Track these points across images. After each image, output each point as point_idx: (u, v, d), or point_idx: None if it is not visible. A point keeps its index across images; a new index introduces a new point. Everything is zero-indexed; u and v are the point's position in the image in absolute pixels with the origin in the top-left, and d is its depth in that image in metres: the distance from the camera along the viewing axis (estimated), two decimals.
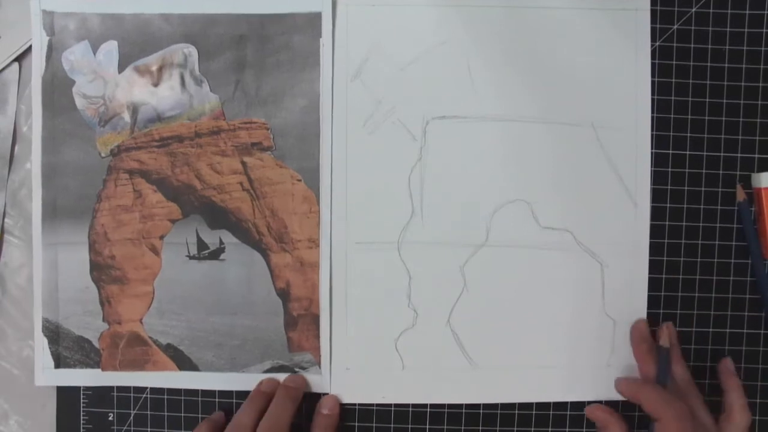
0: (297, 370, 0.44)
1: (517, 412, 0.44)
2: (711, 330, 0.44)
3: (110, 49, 0.43)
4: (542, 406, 0.44)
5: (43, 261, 0.44)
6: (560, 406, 0.44)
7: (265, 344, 0.44)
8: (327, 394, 0.44)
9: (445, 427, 0.44)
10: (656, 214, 0.44)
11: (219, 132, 0.44)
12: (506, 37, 0.44)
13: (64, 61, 0.43)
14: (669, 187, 0.44)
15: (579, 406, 0.44)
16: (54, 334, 0.44)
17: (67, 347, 0.44)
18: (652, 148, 0.44)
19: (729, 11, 0.44)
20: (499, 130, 0.44)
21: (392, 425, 0.44)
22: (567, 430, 0.44)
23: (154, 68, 0.43)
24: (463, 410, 0.44)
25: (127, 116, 0.44)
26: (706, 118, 0.44)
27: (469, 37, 0.44)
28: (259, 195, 0.44)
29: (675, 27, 0.44)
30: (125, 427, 0.44)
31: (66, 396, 0.45)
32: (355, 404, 0.44)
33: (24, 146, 0.45)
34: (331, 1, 0.43)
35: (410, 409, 0.44)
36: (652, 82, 0.44)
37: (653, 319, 0.44)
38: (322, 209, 0.44)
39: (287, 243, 0.44)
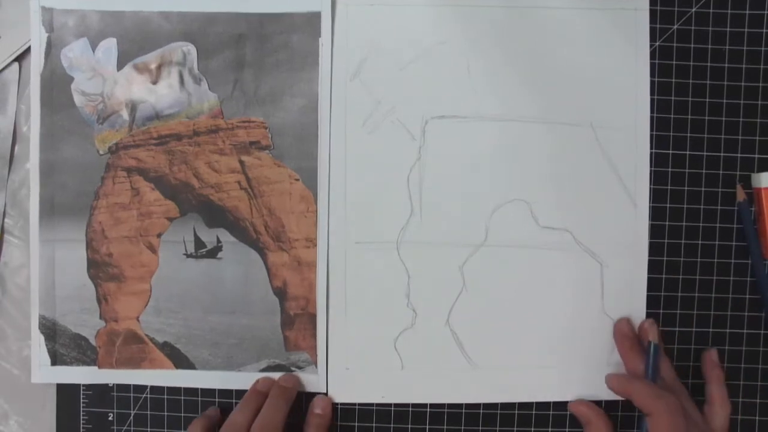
0: (293, 369, 0.44)
1: (516, 412, 0.44)
2: (711, 330, 0.44)
3: (109, 46, 0.44)
4: (542, 405, 0.44)
5: (41, 258, 0.44)
6: (560, 405, 0.44)
7: (262, 343, 0.44)
8: (325, 394, 0.44)
9: (445, 427, 0.44)
10: (656, 214, 0.44)
11: (217, 131, 0.44)
12: (505, 36, 0.44)
13: (63, 58, 0.44)
14: (669, 187, 0.44)
15: None
16: (51, 331, 0.44)
17: (63, 344, 0.44)
18: (651, 148, 0.44)
19: (729, 11, 0.44)
20: (498, 130, 0.44)
21: (392, 425, 0.44)
22: (567, 429, 0.44)
23: (152, 66, 0.44)
24: (463, 410, 0.44)
25: (125, 114, 0.44)
26: (706, 118, 0.44)
27: (469, 36, 0.44)
28: (256, 194, 0.44)
29: (675, 27, 0.44)
30: (125, 427, 0.45)
31: (66, 396, 0.45)
32: (354, 404, 0.44)
33: (24, 146, 0.45)
34: (331, 1, 0.44)
35: (410, 409, 0.44)
36: (652, 82, 0.44)
37: (653, 319, 0.44)
38: (320, 209, 0.44)
39: (284, 242, 0.44)
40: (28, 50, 0.45)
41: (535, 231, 0.44)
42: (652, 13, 0.44)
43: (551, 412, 0.44)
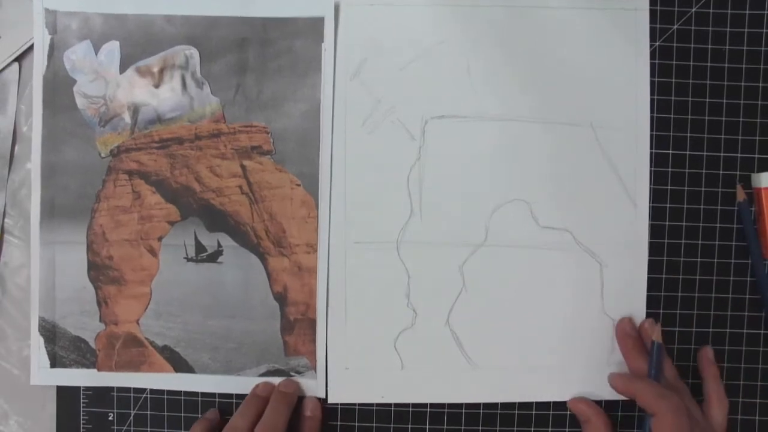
0: (293, 374, 0.46)
1: (517, 412, 0.47)
2: (711, 330, 0.47)
3: (112, 49, 0.46)
4: (542, 405, 0.47)
5: (41, 260, 0.46)
6: (560, 405, 0.46)
7: (262, 348, 0.46)
8: (323, 397, 0.47)
9: (445, 427, 0.47)
10: (656, 214, 0.47)
11: (219, 135, 0.46)
12: (505, 36, 0.46)
13: (66, 61, 0.46)
14: (669, 187, 0.47)
15: None
16: (50, 333, 0.46)
17: (63, 347, 0.47)
18: (651, 148, 0.47)
19: (729, 11, 0.47)
20: (498, 130, 0.46)
21: (392, 425, 0.47)
22: (567, 429, 0.47)
23: (155, 69, 0.46)
24: (463, 410, 0.47)
25: (127, 117, 0.47)
26: (706, 118, 0.47)
27: (468, 36, 0.46)
28: (257, 199, 0.46)
29: (675, 27, 0.47)
30: (125, 427, 0.47)
31: (66, 396, 0.47)
32: (354, 404, 0.47)
33: (24, 146, 0.48)
34: (334, 7, 0.46)
35: (410, 409, 0.47)
36: (652, 82, 0.47)
37: (653, 319, 0.46)
38: (320, 208, 0.46)
39: (285, 247, 0.47)
40: (28, 50, 0.47)
41: (535, 231, 0.46)
42: (652, 13, 0.47)
43: (551, 412, 0.47)
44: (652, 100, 0.47)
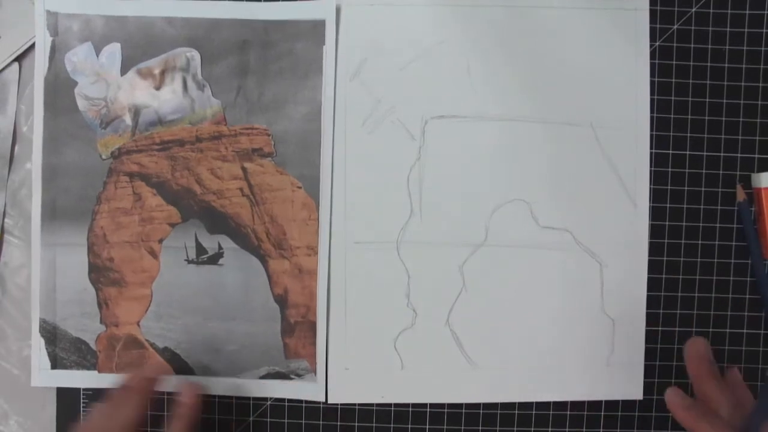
0: (293, 376, 0.48)
1: (516, 412, 0.49)
2: (711, 330, 0.49)
3: (113, 51, 0.48)
4: (542, 405, 0.49)
5: (42, 262, 0.48)
6: (560, 405, 0.49)
7: (262, 350, 0.48)
8: (325, 402, 0.48)
9: (445, 427, 0.49)
10: (656, 214, 0.49)
11: (220, 137, 0.48)
12: (505, 36, 0.49)
13: (67, 62, 0.48)
14: (669, 187, 0.49)
15: (578, 405, 0.49)
16: (51, 335, 0.48)
17: (63, 348, 0.49)
18: (651, 148, 0.49)
19: (729, 11, 0.49)
20: (498, 130, 0.49)
21: (392, 425, 0.49)
22: (566, 429, 0.49)
23: (156, 71, 0.48)
24: (463, 410, 0.49)
25: (128, 119, 0.49)
26: (706, 118, 0.49)
27: (468, 36, 0.48)
28: (258, 201, 0.48)
29: (675, 27, 0.49)
30: None
31: (66, 396, 0.49)
32: (354, 404, 0.49)
33: (24, 146, 0.50)
34: (335, 9, 0.48)
35: (410, 409, 0.49)
36: (652, 82, 0.49)
37: (653, 319, 0.49)
38: (321, 209, 0.48)
39: (286, 250, 0.49)
40: (28, 50, 0.49)
41: (535, 231, 0.49)
42: (652, 13, 0.49)
43: (551, 412, 0.49)
44: (652, 100, 0.49)
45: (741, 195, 0.49)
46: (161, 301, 0.49)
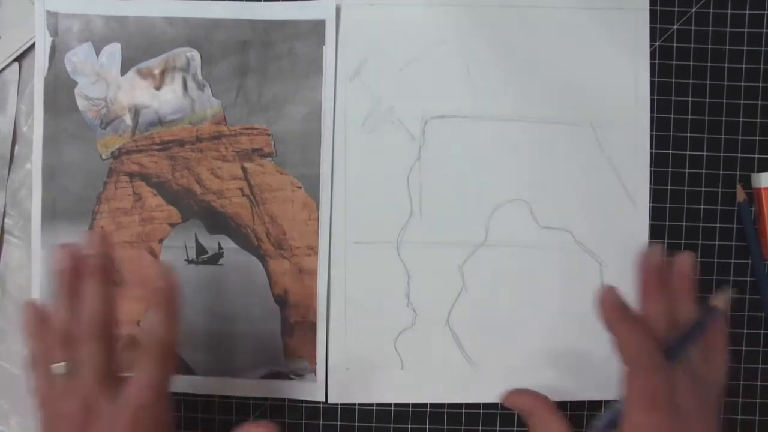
0: (293, 377, 0.48)
1: (517, 412, 0.50)
2: None
3: (113, 51, 0.48)
4: None
5: (42, 262, 0.49)
6: (559, 405, 0.47)
7: (262, 350, 0.49)
8: (325, 402, 0.49)
9: (445, 427, 0.49)
10: (656, 214, 0.49)
11: (220, 137, 0.49)
12: (505, 36, 0.49)
13: (67, 63, 0.49)
14: (669, 187, 0.49)
15: (579, 405, 0.49)
16: None
17: None
18: (651, 148, 0.49)
19: (729, 11, 0.49)
20: (497, 130, 0.49)
21: (392, 425, 0.49)
22: None
23: (156, 71, 0.49)
24: (463, 410, 0.49)
25: (128, 119, 0.49)
26: (706, 118, 0.49)
27: (469, 36, 0.49)
28: (258, 201, 0.49)
29: (675, 27, 0.49)
30: None
31: None
32: (354, 404, 0.49)
33: (24, 146, 0.50)
34: (335, 9, 0.48)
35: (410, 409, 0.49)
36: (652, 82, 0.49)
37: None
38: (321, 209, 0.48)
39: (286, 250, 0.49)
40: (28, 50, 0.49)
41: (534, 231, 0.49)
42: (652, 13, 0.49)
43: None
44: (652, 100, 0.49)
45: (741, 195, 0.49)
46: None
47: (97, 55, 0.49)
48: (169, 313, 0.39)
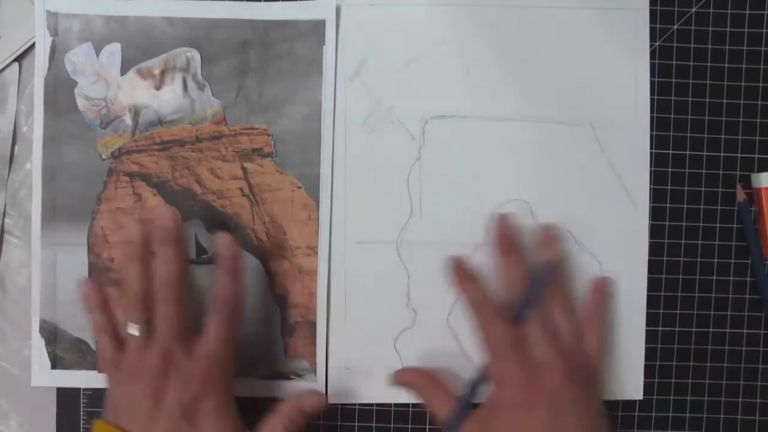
0: (293, 377, 0.48)
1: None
2: (711, 330, 0.49)
3: (113, 51, 0.48)
4: None
5: (42, 262, 0.49)
6: None
7: (262, 350, 0.49)
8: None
9: None
10: (656, 214, 0.49)
11: (220, 137, 0.49)
12: (505, 36, 0.49)
13: (67, 63, 0.49)
14: (669, 187, 0.49)
15: None
16: (51, 335, 0.49)
17: (64, 348, 0.49)
18: (652, 148, 0.49)
19: (729, 11, 0.49)
20: (498, 130, 0.49)
21: (392, 425, 0.49)
22: None
23: (156, 71, 0.49)
24: None
25: (128, 119, 0.49)
26: (706, 118, 0.49)
27: (469, 36, 0.49)
28: (258, 201, 0.49)
29: (675, 27, 0.49)
30: None
31: (66, 396, 0.50)
32: (354, 404, 0.49)
33: (24, 146, 0.50)
34: (336, 9, 0.48)
35: (410, 409, 0.49)
36: (652, 82, 0.49)
37: (653, 319, 0.49)
38: (321, 209, 0.49)
39: (286, 250, 0.49)
40: (28, 50, 0.49)
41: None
42: (652, 13, 0.49)
43: None
44: (652, 100, 0.49)
45: (741, 195, 0.49)
46: None
47: (97, 55, 0.49)
48: (234, 275, 0.44)
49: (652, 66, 0.49)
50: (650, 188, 0.49)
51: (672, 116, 0.50)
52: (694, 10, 0.50)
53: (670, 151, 0.50)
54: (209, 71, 0.49)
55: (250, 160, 0.49)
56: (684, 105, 0.50)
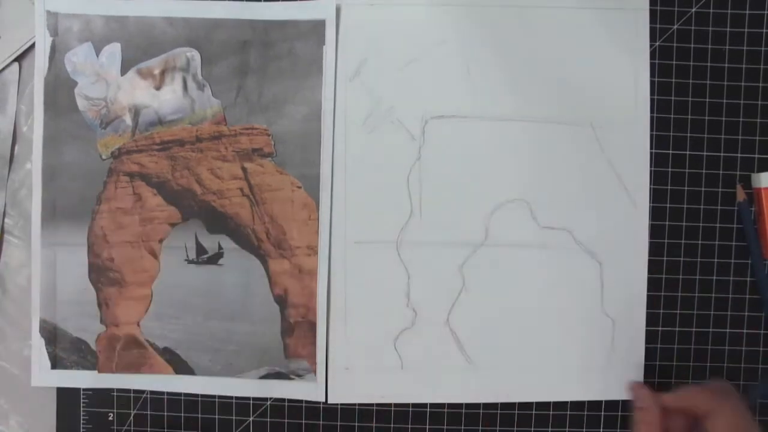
0: (293, 377, 0.48)
1: (516, 412, 0.49)
2: (711, 330, 0.49)
3: (113, 51, 0.49)
4: (542, 405, 0.49)
5: (42, 262, 0.49)
6: (560, 405, 0.49)
7: (262, 350, 0.49)
8: (325, 402, 0.49)
9: (445, 427, 0.49)
10: (656, 214, 0.49)
11: (220, 137, 0.49)
12: (505, 36, 0.49)
13: (67, 63, 0.49)
14: (669, 187, 0.49)
15: (579, 405, 0.49)
16: (51, 335, 0.49)
17: (64, 348, 0.49)
18: (651, 148, 0.49)
19: (729, 11, 0.49)
20: (497, 130, 0.49)
21: (392, 425, 0.49)
22: (567, 429, 0.49)
23: (156, 71, 0.49)
24: (463, 410, 0.49)
25: (128, 119, 0.49)
26: (706, 118, 0.49)
27: (468, 36, 0.49)
28: (258, 201, 0.49)
29: (675, 27, 0.49)
30: (125, 427, 0.50)
31: (66, 396, 0.50)
32: (354, 404, 0.49)
33: (24, 146, 0.50)
34: (336, 9, 0.48)
35: (410, 409, 0.49)
36: (652, 82, 0.49)
37: (653, 319, 0.49)
38: (321, 209, 0.49)
39: (286, 249, 0.49)
40: (28, 50, 0.50)
41: (534, 231, 0.49)
42: (652, 13, 0.49)
43: (551, 412, 0.49)
44: (652, 100, 0.49)
45: (741, 195, 0.49)
46: (161, 302, 0.49)
47: (97, 55, 0.49)
48: None
49: (652, 66, 0.49)
50: (650, 188, 0.49)
51: (672, 116, 0.50)
52: (694, 10, 0.50)
53: (670, 151, 0.50)
54: (209, 71, 0.49)
55: (250, 160, 0.49)
56: (684, 105, 0.50)
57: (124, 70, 0.49)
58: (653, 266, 0.49)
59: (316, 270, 0.49)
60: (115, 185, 0.49)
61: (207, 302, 0.49)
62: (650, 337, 0.49)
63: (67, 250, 0.49)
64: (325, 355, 0.49)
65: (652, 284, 0.49)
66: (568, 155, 0.49)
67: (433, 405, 0.50)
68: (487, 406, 0.50)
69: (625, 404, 0.49)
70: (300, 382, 0.49)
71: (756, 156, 0.50)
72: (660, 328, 0.49)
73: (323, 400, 0.49)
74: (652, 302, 0.49)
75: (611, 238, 0.49)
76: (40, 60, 0.49)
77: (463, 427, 0.50)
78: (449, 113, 0.49)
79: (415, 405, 0.50)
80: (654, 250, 0.50)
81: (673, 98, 0.50)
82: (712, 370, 0.50)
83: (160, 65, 0.49)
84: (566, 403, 0.49)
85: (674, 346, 0.50)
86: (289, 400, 0.50)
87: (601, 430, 0.50)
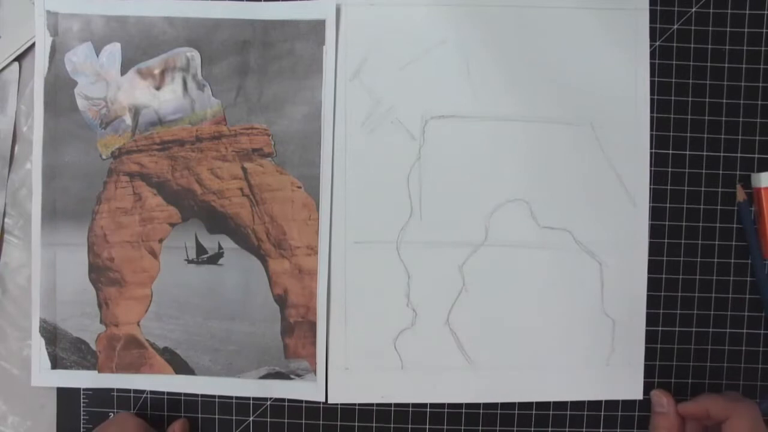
0: (293, 377, 0.48)
1: (516, 412, 0.49)
2: (711, 330, 0.49)
3: (113, 51, 0.49)
4: (542, 405, 0.49)
5: (42, 262, 0.49)
6: (560, 405, 0.49)
7: (262, 350, 0.49)
8: (325, 402, 0.49)
9: (445, 427, 0.49)
10: (656, 214, 0.49)
11: (220, 137, 0.49)
12: (505, 36, 0.49)
13: (67, 62, 0.49)
14: (669, 187, 0.49)
15: (579, 405, 0.49)
16: (51, 335, 0.49)
17: (64, 348, 0.49)
18: (651, 148, 0.49)
19: (729, 11, 0.49)
20: (497, 130, 0.49)
21: (392, 425, 0.49)
22: (567, 430, 0.49)
23: (156, 71, 0.49)
24: (463, 410, 0.49)
25: (128, 119, 0.49)
26: (706, 118, 0.49)
27: (469, 36, 0.49)
28: (258, 201, 0.49)
29: (675, 27, 0.49)
30: None
31: (66, 396, 0.50)
32: (354, 404, 0.49)
33: (24, 146, 0.50)
34: (336, 9, 0.48)
35: (410, 409, 0.49)
36: (652, 82, 0.49)
37: (653, 319, 0.49)
38: (321, 209, 0.49)
39: (286, 249, 0.49)
40: (28, 50, 0.50)
41: (534, 231, 0.49)
42: (652, 13, 0.49)
43: (551, 412, 0.49)
44: (652, 100, 0.49)
45: (741, 195, 0.49)
46: (161, 301, 0.49)
47: (97, 55, 0.49)
48: None
49: (652, 66, 0.49)
50: (650, 188, 0.49)
51: (672, 116, 0.50)
52: (694, 10, 0.50)
53: (670, 151, 0.50)
54: (209, 71, 0.49)
55: (250, 160, 0.49)
56: (684, 105, 0.50)
57: (124, 70, 0.49)
58: (653, 266, 0.49)
59: (316, 270, 0.49)
60: (115, 185, 0.49)
61: (207, 302, 0.49)
62: (650, 337, 0.49)
63: (67, 250, 0.49)
64: (325, 355, 0.49)
65: (652, 284, 0.49)
66: (567, 155, 0.49)
67: (433, 405, 0.50)
68: (487, 406, 0.49)
69: (625, 404, 0.49)
70: (300, 382, 0.49)
71: (756, 156, 0.50)
72: (660, 328, 0.49)
73: (323, 400, 0.49)
74: (652, 302, 0.49)
75: (611, 238, 0.49)
76: (40, 60, 0.49)
77: (463, 427, 0.50)
78: (449, 113, 0.49)
79: (415, 405, 0.49)
80: (654, 250, 0.49)
81: (673, 98, 0.50)
82: (712, 370, 0.50)
83: (160, 65, 0.49)
84: (566, 403, 0.49)
85: (674, 346, 0.50)
86: (289, 400, 0.50)
87: (601, 430, 0.50)
